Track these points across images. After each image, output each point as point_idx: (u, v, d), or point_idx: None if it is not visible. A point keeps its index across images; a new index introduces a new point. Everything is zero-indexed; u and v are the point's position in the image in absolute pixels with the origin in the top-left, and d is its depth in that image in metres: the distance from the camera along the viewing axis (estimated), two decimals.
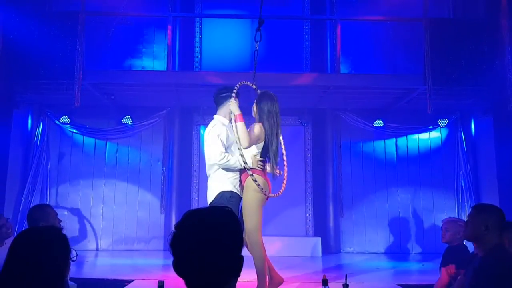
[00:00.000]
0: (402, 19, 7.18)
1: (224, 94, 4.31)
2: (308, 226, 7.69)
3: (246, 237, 4.01)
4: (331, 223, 7.57)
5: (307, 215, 7.71)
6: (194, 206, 7.42)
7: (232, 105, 4.08)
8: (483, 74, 6.51)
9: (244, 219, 4.02)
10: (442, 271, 3.86)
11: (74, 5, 6.71)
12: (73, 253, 2.95)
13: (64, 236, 1.87)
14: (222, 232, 1.36)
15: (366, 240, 7.64)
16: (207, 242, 1.33)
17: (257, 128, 4.07)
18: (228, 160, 4.08)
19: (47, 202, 7.44)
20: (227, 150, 4.16)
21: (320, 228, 7.60)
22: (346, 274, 3.10)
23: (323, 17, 7.41)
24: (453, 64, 6.47)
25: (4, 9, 6.42)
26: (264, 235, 7.07)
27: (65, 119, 7.53)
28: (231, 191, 4.13)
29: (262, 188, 3.96)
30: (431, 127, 7.66)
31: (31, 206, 7.21)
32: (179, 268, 1.36)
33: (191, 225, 1.37)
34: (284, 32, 7.65)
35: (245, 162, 3.96)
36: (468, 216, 2.82)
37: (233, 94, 4.10)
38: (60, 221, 3.36)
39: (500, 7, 6.66)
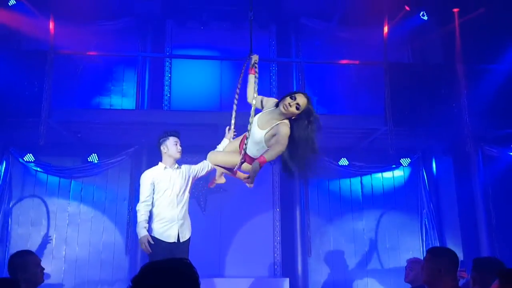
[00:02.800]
0: (363, 62, 7.50)
1: (160, 140, 4.69)
2: (276, 267, 7.61)
3: None
4: (299, 263, 7.51)
5: (275, 255, 7.65)
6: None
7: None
8: (442, 115, 6.82)
9: None
10: None
11: (43, 43, 6.76)
12: None
13: None
14: (179, 285, 1.35)
15: (333, 281, 7.60)
16: None
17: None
18: (137, 213, 4.46)
19: (8, 243, 7.22)
20: (155, 195, 4.48)
21: (288, 268, 7.53)
22: None
23: (289, 59, 7.67)
24: (413, 106, 6.77)
25: None
26: (230, 277, 7.07)
27: (29, 157, 7.35)
28: (151, 235, 4.42)
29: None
30: (394, 166, 7.84)
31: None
32: None
33: (148, 279, 1.37)
34: None
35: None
36: (424, 260, 2.89)
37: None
38: (43, 269, 3.15)
39: (455, 52, 7.07)
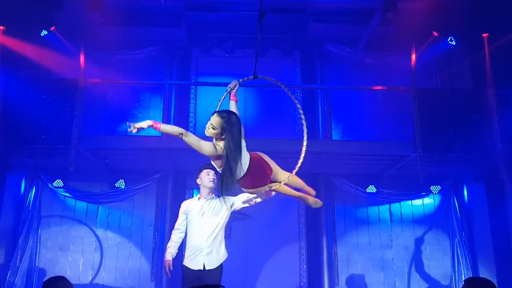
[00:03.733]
0: (390, 88, 7.39)
1: (196, 174, 4.96)
2: None
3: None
4: None
5: (301, 283, 7.51)
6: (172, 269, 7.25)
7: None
8: (472, 141, 6.64)
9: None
10: None
11: (73, 72, 6.95)
12: None
13: None
14: None
15: None
16: None
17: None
18: (170, 238, 4.86)
19: (35, 267, 7.32)
20: (188, 224, 4.79)
21: None
22: None
23: (314, 86, 7.64)
24: (442, 132, 6.61)
25: (4, 75, 6.65)
26: None
27: (58, 182, 7.50)
28: (183, 264, 4.75)
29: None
30: (424, 193, 7.63)
31: (19, 270, 7.08)
32: None
33: None
34: (277, 99, 7.84)
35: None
36: None
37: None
38: None
39: (485, 77, 6.91)
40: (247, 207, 4.83)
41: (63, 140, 6.46)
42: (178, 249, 4.91)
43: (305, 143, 3.74)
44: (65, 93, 6.71)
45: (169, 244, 4.84)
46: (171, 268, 4.70)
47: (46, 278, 3.39)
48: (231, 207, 4.79)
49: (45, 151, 6.73)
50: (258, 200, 4.64)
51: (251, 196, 4.55)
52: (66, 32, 7.28)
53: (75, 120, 6.52)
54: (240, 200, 4.75)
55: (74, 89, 6.66)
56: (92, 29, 6.97)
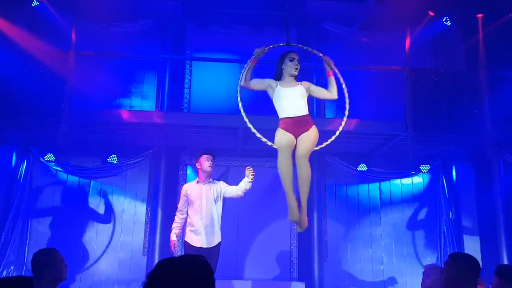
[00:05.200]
0: (383, 68, 7.42)
1: (196, 157, 5.32)
2: (292, 270, 7.61)
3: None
4: (316, 267, 7.51)
5: (292, 258, 7.65)
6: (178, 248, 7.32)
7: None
8: (463, 122, 6.75)
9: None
10: None
11: (65, 44, 6.81)
12: None
13: None
14: (193, 282, 1.38)
15: (349, 286, 7.58)
16: None
17: None
18: (174, 220, 5.31)
19: (27, 241, 7.32)
20: (189, 206, 5.21)
21: (305, 272, 7.52)
22: None
23: (309, 63, 7.62)
24: (434, 112, 6.71)
25: None
26: (248, 279, 7.07)
27: (50, 156, 7.43)
28: (184, 240, 5.24)
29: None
30: (413, 172, 7.77)
31: (10, 244, 7.07)
32: None
33: (162, 275, 1.40)
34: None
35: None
36: (444, 264, 2.86)
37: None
38: (67, 265, 3.22)
39: (478, 59, 6.98)
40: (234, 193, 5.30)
41: (54, 114, 6.38)
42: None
43: (343, 123, 4.10)
44: (56, 66, 6.59)
45: (173, 225, 5.30)
46: (177, 247, 5.32)
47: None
48: (223, 193, 5.24)
49: (36, 125, 6.65)
50: (241, 194, 5.20)
51: (239, 191, 5.18)
52: (58, 3, 7.10)
53: (66, 93, 6.42)
54: (230, 190, 5.23)
55: (65, 61, 6.54)
56: None
